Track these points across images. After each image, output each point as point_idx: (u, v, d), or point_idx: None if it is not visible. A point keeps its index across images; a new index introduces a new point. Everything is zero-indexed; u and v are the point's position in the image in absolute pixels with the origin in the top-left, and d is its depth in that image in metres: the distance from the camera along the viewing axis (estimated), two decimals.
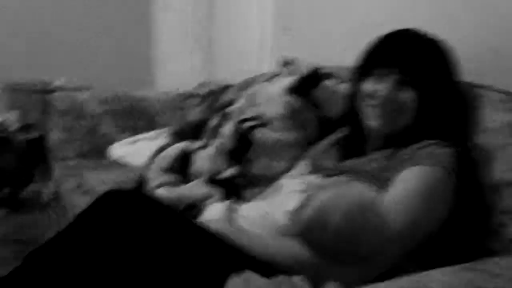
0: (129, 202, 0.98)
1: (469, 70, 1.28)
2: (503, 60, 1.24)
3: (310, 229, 0.86)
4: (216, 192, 1.34)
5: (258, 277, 0.48)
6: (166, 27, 3.07)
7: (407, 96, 1.12)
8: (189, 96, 2.32)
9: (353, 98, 1.24)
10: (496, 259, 0.59)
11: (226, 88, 2.14)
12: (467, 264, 0.57)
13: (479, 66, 1.30)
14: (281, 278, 0.60)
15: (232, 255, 0.90)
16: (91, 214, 0.99)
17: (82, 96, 2.26)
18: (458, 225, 1.04)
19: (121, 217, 0.95)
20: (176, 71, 2.99)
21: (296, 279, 0.48)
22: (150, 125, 2.31)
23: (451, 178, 1.01)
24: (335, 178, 1.11)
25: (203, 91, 2.25)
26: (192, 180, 1.46)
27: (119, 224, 0.93)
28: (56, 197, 1.98)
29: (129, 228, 0.92)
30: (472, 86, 1.23)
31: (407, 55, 1.13)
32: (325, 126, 1.49)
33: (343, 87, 1.52)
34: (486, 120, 1.14)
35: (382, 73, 1.14)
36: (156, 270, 0.86)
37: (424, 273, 0.55)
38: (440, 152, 1.05)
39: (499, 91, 1.18)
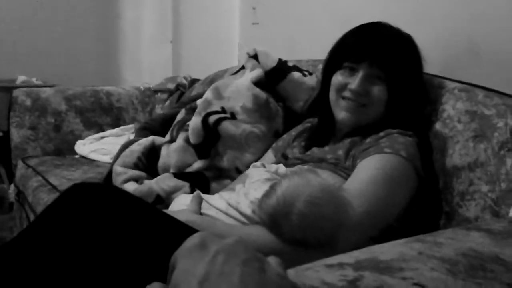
0: (97, 194, 0.97)
1: (446, 65, 1.32)
2: (481, 55, 1.28)
3: (274, 217, 0.88)
4: (184, 185, 1.35)
5: (216, 238, 0.48)
6: (133, 22, 3.04)
7: (378, 89, 1.14)
8: (157, 90, 2.31)
9: (322, 89, 1.26)
10: (443, 231, 0.62)
11: (193, 82, 2.14)
12: (417, 236, 0.60)
13: (458, 61, 1.34)
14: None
15: None
16: (58, 208, 0.98)
17: (47, 92, 2.23)
18: (418, 209, 1.08)
19: (89, 209, 0.94)
20: (143, 66, 2.97)
21: (271, 259, 0.50)
22: (117, 121, 2.30)
23: (411, 166, 1.05)
24: (299, 167, 1.13)
25: (171, 85, 2.25)
26: (160, 174, 1.46)
27: (87, 216, 0.92)
28: (21, 197, 1.95)
29: (97, 219, 0.91)
30: (432, 76, 1.27)
31: (378, 48, 1.14)
32: (292, 118, 1.52)
33: (309, 80, 1.55)
34: (445, 108, 1.18)
35: (352, 66, 1.16)
36: (126, 260, 0.86)
37: (378, 245, 0.57)
38: (401, 140, 1.08)
39: (457, 81, 1.22)
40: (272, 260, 0.49)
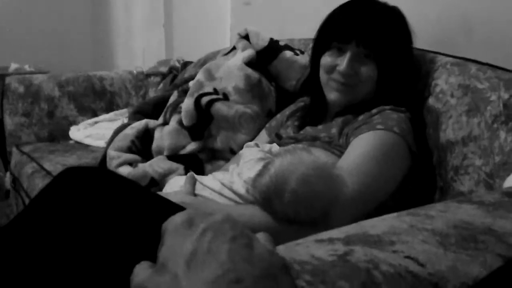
0: (90, 178, 0.97)
1: (439, 41, 1.30)
2: (473, 32, 1.27)
3: (268, 196, 0.87)
4: (178, 167, 1.35)
5: (203, 215, 0.48)
6: (124, 6, 3.01)
7: (367, 68, 1.13)
8: (149, 74, 2.30)
9: (313, 70, 1.25)
10: (434, 204, 0.62)
11: (186, 65, 2.12)
12: (409, 210, 0.59)
13: (450, 37, 1.33)
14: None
15: None
16: (51, 192, 0.97)
17: (40, 79, 2.21)
18: (412, 186, 1.08)
19: (82, 192, 0.93)
20: (136, 50, 2.95)
21: (260, 235, 0.49)
22: (110, 105, 2.29)
23: (404, 142, 1.04)
24: (292, 146, 1.13)
25: (164, 69, 2.23)
26: (154, 157, 1.45)
27: (80, 199, 0.92)
28: (17, 183, 1.95)
29: (90, 202, 0.91)
30: (423, 51, 1.26)
31: (364, 27, 1.13)
32: (285, 97, 1.51)
33: (301, 58, 1.54)
34: (438, 83, 1.17)
35: (340, 46, 1.15)
36: (120, 242, 0.86)
37: (368, 220, 0.57)
38: (394, 117, 1.07)
39: (450, 56, 1.21)
40: (261, 236, 0.49)
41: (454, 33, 1.32)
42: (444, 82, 1.16)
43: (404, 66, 1.17)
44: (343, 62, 1.13)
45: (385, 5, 1.17)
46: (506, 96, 1.03)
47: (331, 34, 1.17)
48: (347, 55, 1.13)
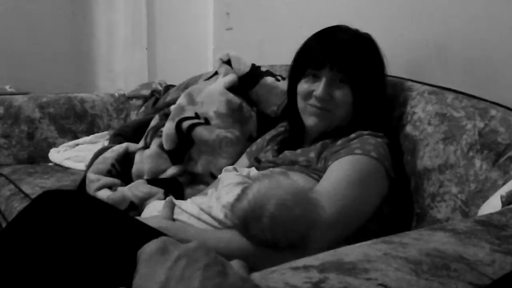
0: (68, 201, 0.96)
1: (413, 67, 1.33)
2: (446, 57, 1.30)
3: (246, 220, 0.88)
4: (158, 191, 1.34)
5: (175, 244, 0.48)
6: (107, 27, 3.01)
7: (342, 93, 1.16)
8: (131, 97, 2.30)
9: (290, 97, 1.28)
10: (408, 232, 0.63)
11: (168, 88, 2.13)
12: (383, 237, 0.60)
13: (424, 64, 1.36)
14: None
15: None
16: (28, 215, 0.96)
17: (20, 100, 2.20)
18: (390, 210, 1.09)
19: (59, 216, 0.92)
20: (118, 72, 2.95)
21: (234, 263, 0.50)
22: (91, 128, 2.27)
23: (381, 166, 1.06)
24: (270, 170, 1.14)
25: (145, 92, 2.24)
26: (134, 181, 1.45)
27: (58, 223, 0.91)
28: None
29: (68, 226, 0.90)
30: (401, 79, 1.28)
31: (337, 51, 1.16)
32: (265, 122, 1.52)
33: (282, 84, 1.55)
34: (416, 111, 1.19)
35: (315, 73, 1.18)
36: (96, 266, 0.85)
37: (344, 247, 0.58)
38: (372, 142, 1.09)
39: (427, 84, 1.23)
40: (235, 264, 0.49)
41: (429, 59, 1.35)
42: (421, 110, 1.18)
43: (378, 90, 1.20)
44: (318, 88, 1.16)
45: (357, 32, 1.21)
46: (481, 125, 1.05)
47: (306, 61, 1.21)
48: (323, 80, 1.16)
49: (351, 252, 0.55)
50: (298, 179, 0.94)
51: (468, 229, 0.63)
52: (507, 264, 0.55)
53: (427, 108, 1.17)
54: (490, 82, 1.20)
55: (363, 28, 1.22)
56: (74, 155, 2.03)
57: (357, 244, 0.58)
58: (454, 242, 0.59)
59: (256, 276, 0.51)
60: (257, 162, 1.28)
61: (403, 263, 0.52)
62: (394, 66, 1.23)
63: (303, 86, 1.20)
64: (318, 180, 1.06)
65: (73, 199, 0.97)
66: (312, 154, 1.15)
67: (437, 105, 1.16)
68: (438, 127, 1.12)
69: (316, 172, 1.10)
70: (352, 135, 1.13)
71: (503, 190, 0.80)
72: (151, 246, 0.48)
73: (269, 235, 0.86)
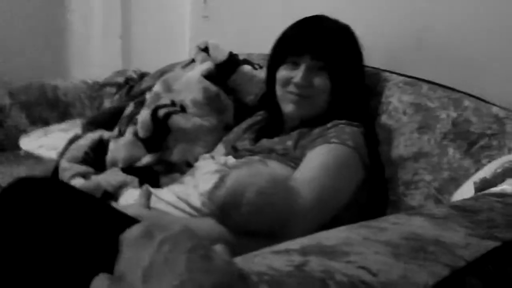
0: (43, 189, 0.95)
1: (392, 58, 1.35)
2: (426, 50, 1.32)
3: (225, 208, 0.88)
4: (133, 180, 1.33)
5: (158, 228, 0.48)
6: (82, 14, 2.96)
7: (321, 80, 1.18)
8: (105, 84, 2.26)
9: (269, 84, 1.28)
10: (387, 217, 0.64)
11: (143, 76, 2.11)
12: (362, 222, 0.61)
13: (402, 55, 1.38)
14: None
15: None
16: (1, 203, 0.94)
17: None
18: (366, 198, 1.10)
19: (35, 204, 0.91)
20: (92, 59, 2.90)
21: (217, 247, 0.50)
22: (64, 115, 2.24)
23: (357, 155, 1.07)
24: (248, 158, 1.14)
25: (120, 79, 2.21)
26: (108, 169, 1.43)
27: (31, 211, 0.90)
28: None
29: (42, 214, 0.89)
30: (378, 69, 1.30)
31: (317, 40, 1.18)
32: (243, 111, 1.52)
33: (260, 73, 1.55)
34: (391, 101, 1.21)
35: (295, 60, 1.19)
36: (73, 254, 0.84)
37: (324, 231, 0.58)
38: (348, 131, 1.11)
39: (403, 75, 1.25)
40: (218, 248, 0.49)
41: (407, 51, 1.37)
42: (397, 100, 1.20)
43: (356, 79, 1.22)
44: (298, 74, 1.17)
45: (336, 22, 1.23)
46: (454, 114, 1.08)
47: (286, 48, 1.22)
48: (302, 67, 1.17)
49: (331, 236, 0.56)
50: (275, 167, 0.95)
51: (444, 214, 0.65)
52: (481, 247, 0.57)
53: (403, 98, 1.19)
54: (465, 73, 1.22)
55: (343, 19, 1.23)
56: (46, 143, 1.99)
57: (337, 229, 0.59)
58: (430, 226, 0.60)
59: (239, 260, 0.51)
60: (234, 151, 1.29)
61: (382, 246, 0.53)
62: (372, 57, 1.25)
63: (282, 73, 1.21)
64: (295, 168, 1.07)
65: (47, 187, 0.96)
66: (289, 143, 1.15)
67: (412, 96, 1.18)
68: (413, 116, 1.15)
69: (293, 160, 1.11)
70: (329, 124, 1.14)
71: (476, 177, 0.82)
72: (134, 231, 0.48)
73: (248, 223, 0.87)
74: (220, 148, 1.41)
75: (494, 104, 1.07)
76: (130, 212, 0.94)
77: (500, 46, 1.16)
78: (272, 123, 1.30)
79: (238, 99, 1.55)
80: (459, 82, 1.16)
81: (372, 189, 1.14)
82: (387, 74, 1.28)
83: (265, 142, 1.22)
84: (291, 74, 1.19)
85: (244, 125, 1.41)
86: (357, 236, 0.55)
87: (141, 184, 1.31)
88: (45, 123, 2.19)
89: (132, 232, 0.49)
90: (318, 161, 1.05)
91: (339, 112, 1.18)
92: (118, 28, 2.78)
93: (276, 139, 1.21)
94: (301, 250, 0.53)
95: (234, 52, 1.60)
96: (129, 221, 0.91)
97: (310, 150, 1.08)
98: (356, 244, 0.54)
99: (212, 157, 1.14)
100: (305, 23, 1.23)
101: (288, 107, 1.21)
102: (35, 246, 0.84)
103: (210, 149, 1.44)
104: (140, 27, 2.72)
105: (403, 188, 1.11)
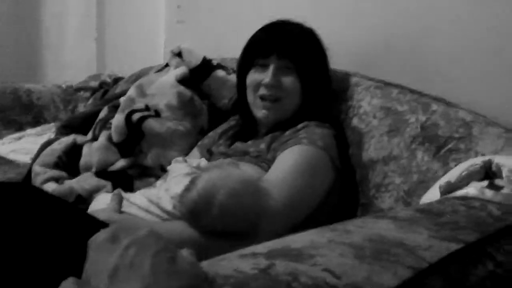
0: (15, 193, 0.94)
1: (362, 62, 1.37)
2: (394, 54, 1.35)
3: (196, 210, 0.88)
4: (106, 184, 1.33)
5: (127, 230, 0.49)
6: (56, 16, 2.93)
7: (290, 80, 1.20)
8: (79, 89, 2.25)
9: (240, 91, 1.29)
10: (353, 220, 0.66)
11: (117, 80, 2.10)
12: (329, 226, 0.62)
13: (372, 59, 1.40)
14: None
15: None
16: None
17: None
18: (337, 200, 1.12)
19: (6, 208, 0.90)
20: (66, 63, 2.87)
21: (183, 251, 0.50)
22: (37, 120, 2.21)
23: (327, 156, 1.09)
24: (220, 160, 1.15)
25: (94, 83, 2.19)
26: (82, 174, 1.42)
27: (4, 215, 0.89)
28: None
29: (13, 219, 0.88)
30: (348, 73, 1.32)
31: (283, 39, 1.21)
32: (217, 115, 1.52)
33: (234, 78, 1.56)
34: (362, 105, 1.23)
35: (263, 63, 1.20)
36: (43, 259, 0.84)
37: (291, 235, 0.60)
38: (318, 132, 1.13)
39: (373, 79, 1.28)
40: (185, 251, 0.50)
41: (376, 55, 1.39)
42: (367, 104, 1.22)
43: (324, 81, 1.24)
44: (267, 75, 1.19)
45: (301, 24, 1.26)
46: (423, 118, 1.10)
47: (254, 51, 1.24)
48: (271, 68, 1.19)
49: (298, 239, 0.57)
50: (247, 169, 0.96)
51: (408, 216, 0.67)
52: (443, 248, 0.58)
53: (373, 102, 1.21)
54: (432, 77, 1.25)
55: (314, 25, 1.25)
56: (19, 147, 1.97)
57: (304, 232, 0.60)
58: (395, 228, 0.62)
59: (205, 263, 0.52)
60: (209, 154, 1.29)
61: (347, 248, 0.55)
62: (343, 61, 1.27)
63: (252, 77, 1.23)
64: (267, 170, 1.08)
65: (19, 191, 0.95)
66: (263, 146, 1.17)
67: (382, 99, 1.21)
68: (383, 120, 1.17)
69: (266, 162, 1.12)
70: (300, 126, 1.16)
71: (442, 181, 0.84)
72: (101, 235, 0.48)
73: (219, 224, 0.87)
74: (195, 153, 1.41)
75: (461, 108, 1.10)
76: (101, 216, 0.94)
77: (467, 50, 1.19)
78: (246, 128, 1.31)
79: (212, 104, 1.56)
80: (427, 86, 1.18)
81: (343, 191, 1.15)
82: (358, 78, 1.31)
83: (239, 145, 1.23)
84: (260, 77, 1.21)
85: (219, 129, 1.42)
86: (323, 239, 0.57)
87: (114, 188, 1.31)
88: (19, 127, 2.16)
89: (98, 237, 0.49)
90: (289, 162, 1.06)
91: (309, 114, 1.19)
92: (93, 31, 2.76)
93: (249, 142, 1.22)
94: (268, 254, 0.53)
95: (209, 56, 1.61)
96: (99, 225, 0.91)
97: (281, 152, 1.09)
98: (322, 247, 0.55)
99: (185, 160, 1.14)
100: (270, 26, 1.26)
101: (260, 113, 1.22)
102: (4, 250, 0.84)
103: (184, 153, 1.44)
104: (115, 30, 2.70)
105: (373, 191, 1.13)
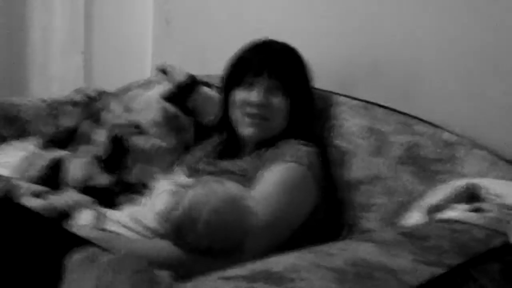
0: None
1: (347, 81, 1.38)
2: (379, 75, 1.35)
3: (180, 228, 0.87)
4: (89, 200, 1.31)
5: (103, 252, 0.48)
6: (42, 29, 2.91)
7: (278, 100, 1.19)
8: (63, 102, 2.23)
9: (225, 106, 1.29)
10: (336, 242, 0.65)
11: (101, 94, 2.08)
12: (312, 248, 0.62)
13: (357, 80, 1.40)
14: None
15: None
16: None
17: None
18: (321, 219, 1.11)
19: None
20: (52, 76, 2.85)
21: (161, 272, 0.49)
22: (21, 133, 2.18)
23: (311, 174, 1.09)
24: (204, 178, 1.14)
25: (78, 97, 2.17)
26: (65, 189, 1.40)
27: None
28: None
29: None
30: (333, 93, 1.32)
31: (274, 60, 1.21)
32: (202, 132, 1.52)
33: (218, 94, 1.56)
34: (347, 124, 1.23)
35: (251, 81, 1.20)
36: (24, 275, 0.82)
37: (274, 257, 0.59)
38: (302, 150, 1.13)
39: (358, 99, 1.28)
40: (163, 272, 0.49)
41: (364, 75, 1.40)
42: (352, 124, 1.22)
43: (309, 100, 1.26)
44: (255, 94, 1.19)
45: (287, 45, 1.26)
46: (408, 139, 1.10)
47: (242, 70, 1.23)
48: (259, 87, 1.19)
49: (280, 262, 0.56)
50: (232, 186, 0.95)
51: (392, 239, 0.66)
52: (427, 272, 0.58)
53: (358, 122, 1.22)
54: (419, 99, 1.25)
55: (299, 44, 1.26)
56: (2, 161, 1.94)
57: (287, 254, 0.59)
58: (378, 252, 0.61)
59: (188, 285, 0.51)
60: (193, 172, 1.28)
61: (328, 272, 0.54)
62: (328, 80, 1.27)
63: (239, 95, 1.22)
64: (252, 188, 1.07)
65: (1, 206, 0.94)
66: (248, 163, 1.16)
67: (367, 119, 1.21)
68: (367, 140, 1.17)
69: (250, 180, 1.11)
70: (284, 144, 1.16)
71: (424, 202, 0.84)
72: (79, 254, 0.47)
73: (204, 241, 0.86)
74: (179, 169, 1.40)
75: (446, 130, 1.10)
76: (82, 233, 0.92)
77: (453, 71, 1.20)
78: (231, 145, 1.30)
79: (197, 120, 1.55)
80: (413, 107, 1.19)
81: (328, 210, 1.15)
82: (342, 97, 1.31)
83: (224, 163, 1.23)
84: (248, 95, 1.21)
85: (204, 146, 1.41)
86: (304, 261, 0.56)
87: (97, 204, 1.29)
88: (3, 140, 2.13)
89: (76, 256, 0.48)
90: (273, 180, 1.06)
91: (295, 133, 1.19)
92: (80, 44, 2.75)
93: (234, 160, 1.21)
94: (249, 277, 0.53)
95: (195, 72, 1.61)
96: (79, 242, 0.89)
97: (266, 170, 1.09)
98: (303, 270, 0.54)
99: (169, 178, 1.13)
100: (259, 45, 1.26)
101: (246, 131, 1.21)
102: None
103: (169, 170, 1.43)
104: (102, 44, 2.70)
105: (358, 211, 1.13)
